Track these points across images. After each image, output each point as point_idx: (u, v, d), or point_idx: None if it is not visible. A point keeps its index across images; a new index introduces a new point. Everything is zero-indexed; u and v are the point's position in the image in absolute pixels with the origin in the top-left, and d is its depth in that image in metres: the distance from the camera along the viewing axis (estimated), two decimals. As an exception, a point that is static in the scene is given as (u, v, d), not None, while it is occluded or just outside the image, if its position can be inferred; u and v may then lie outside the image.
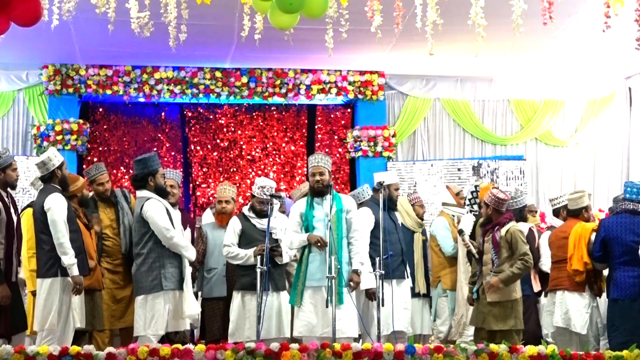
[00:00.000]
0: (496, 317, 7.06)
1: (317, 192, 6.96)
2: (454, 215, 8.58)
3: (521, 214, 8.01)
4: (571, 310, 7.65)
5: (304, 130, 11.33)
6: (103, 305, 7.25)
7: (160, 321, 6.81)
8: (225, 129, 11.14)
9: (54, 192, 6.61)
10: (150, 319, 6.81)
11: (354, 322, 6.87)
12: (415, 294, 8.17)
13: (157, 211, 6.90)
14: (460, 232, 7.83)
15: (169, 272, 6.88)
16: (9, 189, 6.83)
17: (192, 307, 7.01)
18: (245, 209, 7.52)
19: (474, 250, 7.54)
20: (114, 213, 7.55)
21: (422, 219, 8.52)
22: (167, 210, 7.02)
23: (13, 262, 6.65)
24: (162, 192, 7.08)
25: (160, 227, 6.86)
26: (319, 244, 6.76)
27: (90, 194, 7.49)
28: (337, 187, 10.98)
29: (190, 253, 7.03)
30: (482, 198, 7.83)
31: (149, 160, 7.06)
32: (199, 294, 8.03)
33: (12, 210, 6.71)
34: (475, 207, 8.24)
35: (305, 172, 11.01)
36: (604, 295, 7.99)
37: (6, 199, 6.74)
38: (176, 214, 7.40)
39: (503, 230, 7.11)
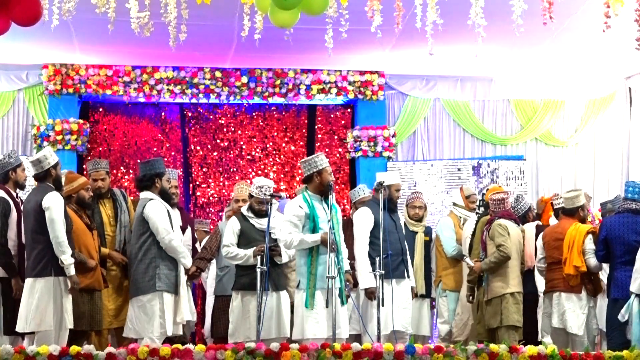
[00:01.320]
0: (489, 314, 7.32)
1: (329, 192, 6.83)
2: (461, 217, 8.59)
3: (525, 218, 8.30)
4: (567, 312, 7.66)
5: (304, 130, 11.32)
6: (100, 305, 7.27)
7: (156, 323, 6.80)
8: (225, 129, 11.14)
9: (52, 191, 6.61)
10: (147, 321, 6.82)
11: (347, 323, 6.95)
12: (415, 294, 8.18)
13: (158, 212, 6.90)
14: (462, 257, 8.00)
15: (163, 274, 6.88)
16: (17, 190, 6.90)
17: (186, 313, 7.00)
18: (243, 209, 7.51)
19: (470, 263, 7.76)
20: (113, 210, 7.56)
21: (419, 220, 8.51)
22: (169, 212, 7.03)
23: (26, 260, 6.70)
24: (165, 196, 7.10)
25: (160, 228, 6.87)
26: (333, 247, 6.58)
27: (90, 193, 7.48)
28: (337, 187, 10.98)
29: (187, 260, 7.04)
30: (487, 199, 8.05)
31: (156, 163, 7.12)
32: (210, 291, 8.07)
33: (22, 210, 6.78)
34: (481, 210, 8.33)
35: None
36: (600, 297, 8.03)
37: (17, 199, 6.80)
38: (175, 214, 7.40)
39: (489, 228, 7.62)
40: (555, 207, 8.33)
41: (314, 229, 6.75)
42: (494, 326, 7.44)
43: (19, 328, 6.52)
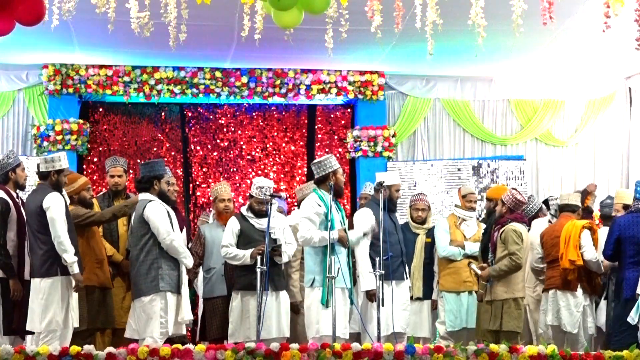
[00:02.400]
0: (489, 316, 7.28)
1: (341, 191, 7.15)
2: (460, 217, 8.58)
3: (535, 218, 8.40)
4: (562, 309, 7.67)
5: (304, 130, 11.32)
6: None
7: (157, 323, 6.80)
8: (225, 129, 11.14)
9: (52, 191, 6.65)
10: (148, 321, 6.82)
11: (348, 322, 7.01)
12: (411, 297, 8.15)
13: (159, 213, 6.92)
14: (469, 263, 7.99)
15: (165, 274, 6.89)
16: (18, 190, 6.91)
17: (188, 313, 7.02)
18: (243, 210, 7.53)
19: (477, 271, 7.70)
20: None
21: (422, 223, 8.51)
22: (169, 214, 7.04)
23: (25, 261, 6.71)
24: (164, 198, 7.11)
25: (161, 229, 6.88)
26: (346, 243, 6.92)
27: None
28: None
29: (188, 260, 7.05)
30: (493, 197, 8.00)
31: (156, 165, 7.13)
32: (200, 294, 8.06)
33: (22, 210, 6.78)
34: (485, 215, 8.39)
35: (306, 173, 11.01)
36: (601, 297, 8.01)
37: (17, 200, 6.82)
38: (173, 215, 7.40)
39: (501, 230, 7.38)
40: (551, 207, 8.34)
41: (329, 229, 6.86)
42: (492, 329, 7.37)
43: (30, 327, 6.55)
